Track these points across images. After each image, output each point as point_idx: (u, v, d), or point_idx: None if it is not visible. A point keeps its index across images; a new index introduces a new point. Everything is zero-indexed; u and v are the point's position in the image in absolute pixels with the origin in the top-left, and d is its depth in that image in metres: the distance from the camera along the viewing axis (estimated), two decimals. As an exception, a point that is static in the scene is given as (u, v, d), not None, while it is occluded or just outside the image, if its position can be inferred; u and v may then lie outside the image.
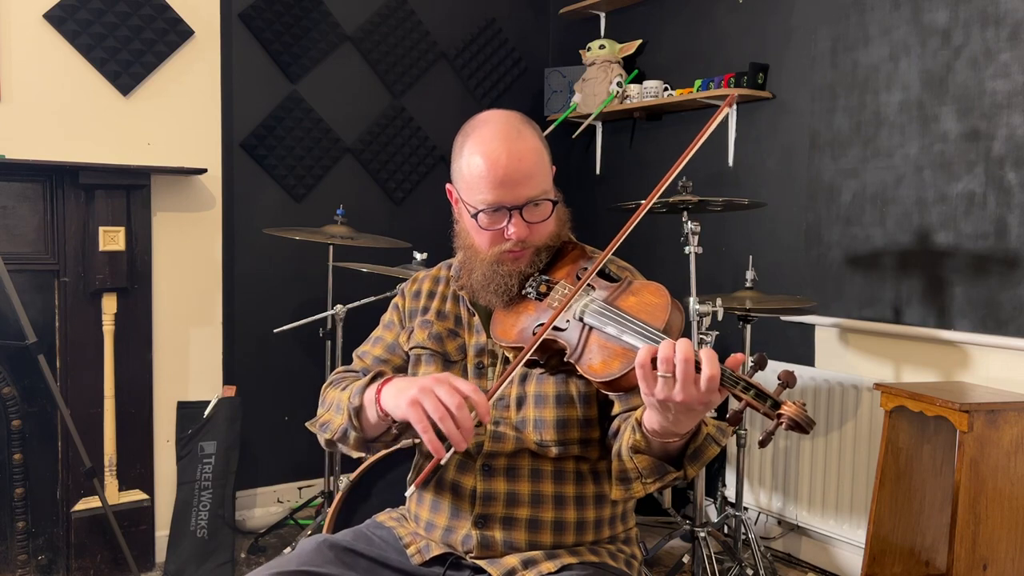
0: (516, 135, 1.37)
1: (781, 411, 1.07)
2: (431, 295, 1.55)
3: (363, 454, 1.51)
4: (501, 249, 1.39)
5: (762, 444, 1.08)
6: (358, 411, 1.37)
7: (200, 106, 3.05)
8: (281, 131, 3.46)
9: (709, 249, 3.06)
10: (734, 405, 1.11)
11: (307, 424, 1.53)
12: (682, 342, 1.10)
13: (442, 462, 1.24)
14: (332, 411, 1.46)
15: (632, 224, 1.31)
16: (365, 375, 1.54)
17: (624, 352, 1.21)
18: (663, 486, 1.25)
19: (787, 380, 1.09)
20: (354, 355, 1.60)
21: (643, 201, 2.65)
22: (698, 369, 1.09)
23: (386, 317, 1.60)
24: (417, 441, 1.55)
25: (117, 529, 2.73)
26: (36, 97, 2.75)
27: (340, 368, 1.61)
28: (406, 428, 1.33)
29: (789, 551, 3.17)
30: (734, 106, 3.33)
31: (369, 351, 1.57)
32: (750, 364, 1.12)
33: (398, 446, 1.56)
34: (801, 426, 1.06)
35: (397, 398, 1.30)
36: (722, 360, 1.11)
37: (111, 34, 2.85)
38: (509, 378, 1.29)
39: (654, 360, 1.11)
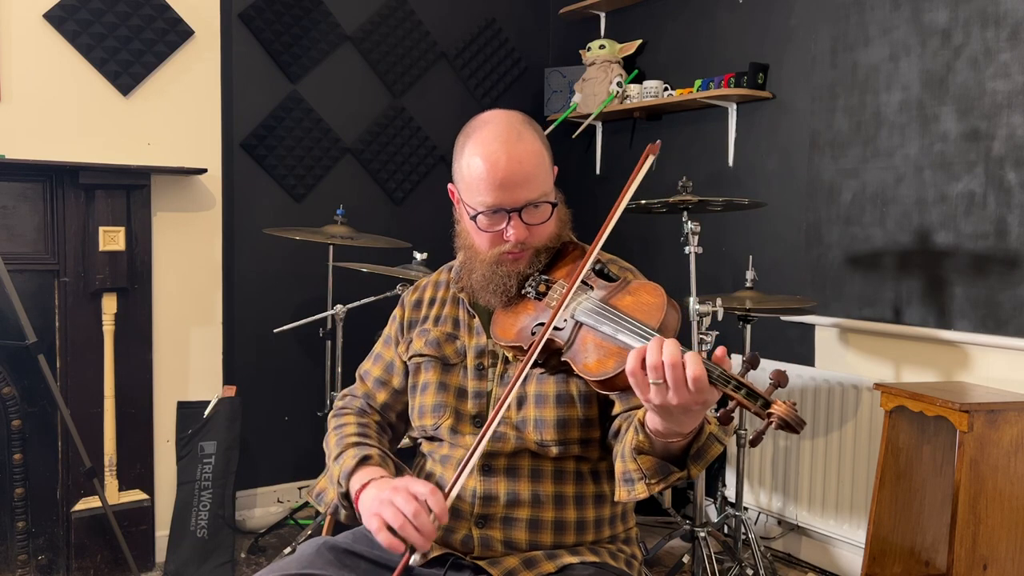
0: (516, 137, 1.36)
1: (771, 410, 1.07)
2: (432, 302, 1.55)
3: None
4: (500, 250, 1.39)
5: (753, 443, 1.08)
6: (346, 495, 1.39)
7: (200, 106, 3.05)
8: (281, 131, 3.46)
9: (709, 249, 3.06)
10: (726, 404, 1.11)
11: (306, 494, 1.54)
12: (669, 343, 1.10)
13: (411, 563, 1.25)
14: (327, 481, 1.48)
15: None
16: (367, 401, 1.56)
17: (619, 351, 1.21)
18: (666, 486, 1.25)
19: (778, 380, 1.09)
20: (356, 374, 1.62)
21: (643, 201, 2.66)
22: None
23: (386, 331, 1.61)
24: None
25: (117, 529, 2.73)
26: (36, 97, 2.75)
27: (344, 391, 1.62)
28: None
29: (789, 551, 3.17)
30: (735, 105, 3.34)
31: (370, 370, 1.59)
32: (742, 363, 1.12)
33: (398, 446, 1.56)
34: (791, 426, 1.06)
35: (364, 510, 1.32)
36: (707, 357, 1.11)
37: (111, 34, 2.85)
38: (486, 437, 1.27)
39: (643, 363, 1.11)
